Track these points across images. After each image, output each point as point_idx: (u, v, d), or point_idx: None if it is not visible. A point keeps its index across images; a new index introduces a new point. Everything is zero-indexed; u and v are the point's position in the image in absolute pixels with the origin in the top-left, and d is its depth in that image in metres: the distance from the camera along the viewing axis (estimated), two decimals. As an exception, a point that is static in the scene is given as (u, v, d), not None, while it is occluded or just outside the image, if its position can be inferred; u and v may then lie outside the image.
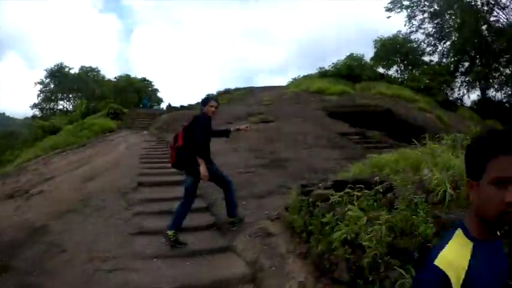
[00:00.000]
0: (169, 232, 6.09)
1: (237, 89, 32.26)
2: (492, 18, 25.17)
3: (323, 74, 27.43)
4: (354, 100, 21.52)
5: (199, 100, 37.66)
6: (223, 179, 6.81)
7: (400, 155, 6.23)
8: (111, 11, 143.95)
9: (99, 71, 54.10)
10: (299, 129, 15.96)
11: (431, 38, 35.25)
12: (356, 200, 4.80)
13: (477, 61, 33.39)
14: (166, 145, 14.75)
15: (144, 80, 58.26)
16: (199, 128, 6.41)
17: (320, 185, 5.92)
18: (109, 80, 54.12)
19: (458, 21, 31.98)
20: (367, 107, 20.79)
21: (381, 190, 4.82)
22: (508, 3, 23.04)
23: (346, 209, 4.73)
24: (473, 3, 24.34)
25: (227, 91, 32.85)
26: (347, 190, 5.00)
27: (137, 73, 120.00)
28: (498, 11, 24.10)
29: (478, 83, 31.39)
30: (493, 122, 24.60)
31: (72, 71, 52.64)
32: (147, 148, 15.15)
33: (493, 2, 23.53)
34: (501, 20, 24.40)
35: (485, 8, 24.07)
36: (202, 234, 6.77)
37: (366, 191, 4.87)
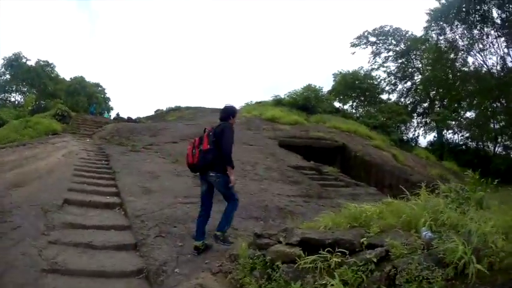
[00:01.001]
0: (220, 232, 6.55)
1: (187, 108, 31.19)
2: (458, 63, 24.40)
3: (278, 102, 26.63)
4: (308, 132, 20.64)
5: (151, 113, 36.24)
6: (233, 194, 6.91)
7: (387, 206, 5.37)
8: (83, 11, 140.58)
9: (55, 67, 50.54)
10: (249, 157, 14.76)
11: (392, 77, 35.61)
12: (336, 267, 3.81)
13: (437, 103, 33.52)
14: (106, 158, 13.72)
15: (97, 85, 55.60)
16: (230, 137, 6.69)
17: (281, 238, 4.81)
18: (63, 79, 50.77)
19: (424, 62, 32.49)
20: (322, 140, 19.92)
21: (374, 259, 3.75)
22: (477, 48, 22.24)
23: (322, 281, 3.72)
24: (442, 47, 23.60)
25: (177, 108, 31.68)
26: (322, 253, 4.04)
27: (93, 77, 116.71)
28: (467, 55, 23.61)
29: (436, 125, 30.97)
30: (451, 164, 24.45)
31: (29, 63, 48.97)
32: (85, 158, 13.55)
33: (462, 47, 22.91)
34: (469, 65, 24.02)
35: (453, 53, 23.45)
36: (125, 283, 5.39)
37: (350, 258, 3.90)
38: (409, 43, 33.71)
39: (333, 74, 33.39)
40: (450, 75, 25.44)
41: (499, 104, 26.57)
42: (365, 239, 4.15)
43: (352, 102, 33.48)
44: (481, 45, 23.02)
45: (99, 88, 55.71)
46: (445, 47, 23.69)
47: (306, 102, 25.93)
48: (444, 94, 29.43)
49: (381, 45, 34.92)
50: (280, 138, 18.80)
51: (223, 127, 6.73)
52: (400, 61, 35.20)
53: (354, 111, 33.20)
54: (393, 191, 17.09)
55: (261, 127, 19.96)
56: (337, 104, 32.35)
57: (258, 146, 16.73)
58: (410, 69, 35.41)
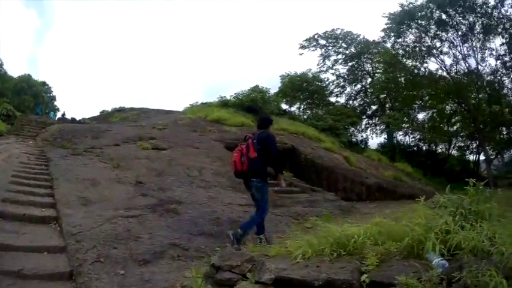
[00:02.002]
0: (241, 231, 6.78)
1: (132, 109, 29.94)
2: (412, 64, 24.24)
3: (224, 103, 25.69)
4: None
5: (97, 113, 34.73)
6: (265, 203, 7.41)
7: (377, 227, 4.61)
8: (32, 7, 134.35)
9: (2, 64, 47.65)
10: (195, 161, 13.76)
11: (341, 80, 35.54)
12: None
13: (388, 105, 33.95)
14: (46, 162, 12.48)
15: (44, 84, 52.89)
16: (275, 146, 7.38)
17: (249, 275, 3.97)
18: (11, 77, 47.71)
19: (375, 66, 33.09)
20: (269, 143, 18.75)
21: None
22: (436, 53, 22.09)
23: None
24: (399, 51, 23.30)
25: (121, 109, 30.25)
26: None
27: (41, 76, 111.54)
28: (425, 59, 23.42)
29: (387, 127, 31.11)
30: (404, 166, 24.39)
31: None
32: (24, 163, 12.22)
33: (420, 51, 22.69)
34: (427, 68, 23.83)
35: (411, 57, 23.21)
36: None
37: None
38: (360, 46, 33.82)
39: (280, 76, 32.83)
40: (403, 79, 24.85)
41: (454, 107, 26.42)
42: (366, 275, 3.41)
43: (300, 104, 32.91)
44: (440, 50, 22.55)
45: (46, 87, 53.32)
46: (402, 50, 23.12)
47: (253, 103, 25.11)
48: (396, 97, 29.12)
49: (330, 48, 34.74)
50: (226, 140, 17.80)
51: (266, 136, 7.31)
52: (350, 64, 35.11)
53: (301, 113, 32.72)
54: (347, 194, 16.43)
55: (207, 129, 18.91)
56: (284, 106, 31.83)
57: (204, 149, 15.75)
58: (360, 72, 35.48)
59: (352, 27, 70.96)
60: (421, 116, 32.50)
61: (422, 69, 23.96)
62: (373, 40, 33.22)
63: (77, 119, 28.84)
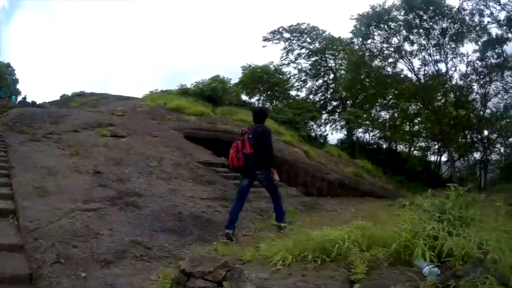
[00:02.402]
0: (283, 225, 7.31)
1: (92, 94, 28.95)
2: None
3: (184, 91, 25.18)
4: (215, 124, 19.32)
5: (57, 98, 33.43)
6: (276, 187, 7.83)
7: (359, 230, 4.43)
8: None
9: None
10: (154, 151, 13.26)
11: (303, 74, 35.45)
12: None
13: (348, 102, 34.16)
14: (5, 148, 11.70)
15: (8, 66, 50.28)
16: (270, 141, 7.69)
17: (225, 283, 3.61)
18: None
19: (339, 62, 33.46)
20: (229, 133, 18.46)
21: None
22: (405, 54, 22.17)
23: None
24: (366, 51, 23.23)
25: (82, 94, 29.28)
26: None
27: (5, 58, 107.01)
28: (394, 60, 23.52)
29: (347, 123, 31.35)
30: (364, 163, 24.36)
31: None
32: None
33: (388, 53, 22.74)
34: (388, 69, 23.96)
35: (379, 57, 23.24)
36: None
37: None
38: (325, 42, 33.75)
39: (242, 67, 32.50)
40: (369, 79, 24.83)
41: (418, 107, 26.67)
42: (358, 286, 3.22)
43: (260, 96, 32.47)
44: (410, 52, 22.65)
45: (9, 69, 50.66)
46: (369, 52, 23.09)
47: (213, 93, 24.66)
48: (360, 95, 29.20)
49: (295, 42, 34.48)
50: (186, 129, 17.40)
51: (262, 130, 7.52)
52: (313, 59, 34.95)
53: (260, 105, 32.02)
54: (308, 189, 16.25)
55: (166, 117, 18.43)
56: (244, 97, 31.34)
57: (163, 138, 15.27)
58: (323, 68, 35.37)
59: (319, 23, 70.59)
60: (382, 114, 32.90)
61: (389, 69, 23.98)
62: (339, 37, 33.44)
63: (37, 102, 27.57)
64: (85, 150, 11.56)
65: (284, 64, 34.70)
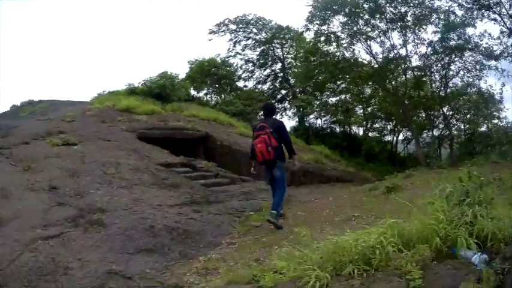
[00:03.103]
0: (275, 212, 7.71)
1: (40, 101, 26.74)
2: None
3: (131, 91, 23.79)
4: (167, 122, 18.19)
5: (7, 109, 30.92)
6: (284, 180, 8.44)
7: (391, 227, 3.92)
8: None
9: None
10: (109, 156, 12.07)
11: (250, 64, 34.64)
12: None
13: (298, 90, 33.49)
14: None
15: None
16: (288, 132, 8.79)
17: None
18: None
19: (286, 50, 33.03)
20: (183, 130, 17.55)
21: None
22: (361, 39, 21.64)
23: None
24: (317, 37, 22.43)
25: (30, 102, 27.16)
26: None
27: None
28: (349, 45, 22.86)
29: (298, 110, 30.81)
30: (321, 148, 23.63)
31: None
32: None
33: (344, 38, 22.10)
34: (347, 54, 23.42)
35: (334, 43, 22.47)
36: None
37: None
38: (272, 31, 32.89)
39: (189, 61, 31.24)
40: (321, 65, 23.99)
41: (373, 90, 26.18)
42: None
43: (207, 90, 31.20)
44: (368, 35, 21.90)
45: None
46: (325, 37, 22.26)
47: (161, 90, 23.36)
48: (311, 82, 28.46)
49: (241, 33, 33.34)
50: (138, 130, 16.21)
51: (280, 125, 8.37)
52: (260, 49, 34.03)
53: (209, 98, 31.13)
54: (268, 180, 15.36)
55: (117, 119, 17.09)
56: (192, 92, 29.95)
57: (117, 141, 14.08)
58: (270, 58, 34.50)
59: (267, 14, 69.01)
60: (333, 100, 32.36)
61: (346, 54, 23.29)
62: (287, 25, 32.78)
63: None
64: (37, 164, 10.30)
65: (231, 56, 33.74)
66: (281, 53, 34.14)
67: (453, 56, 21.28)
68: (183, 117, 19.80)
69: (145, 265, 5.55)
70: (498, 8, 18.46)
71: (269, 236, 7.18)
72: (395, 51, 21.96)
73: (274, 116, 8.90)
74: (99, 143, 13.35)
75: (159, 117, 18.96)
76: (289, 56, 34.21)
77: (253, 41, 33.38)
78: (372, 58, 22.64)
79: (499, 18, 18.70)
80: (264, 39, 33.11)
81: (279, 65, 34.67)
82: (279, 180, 8.16)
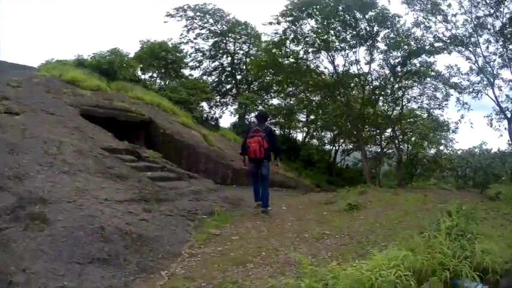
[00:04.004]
0: (269, 208, 9.70)
1: None
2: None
3: (80, 62, 22.01)
4: (112, 101, 16.97)
5: None
6: (267, 175, 9.83)
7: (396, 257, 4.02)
8: None
9: None
10: (51, 133, 10.76)
11: (200, 54, 33.29)
12: None
13: (242, 86, 33.10)
14: None
15: None
16: (275, 138, 10.73)
17: None
18: None
19: (239, 46, 32.26)
20: (127, 112, 16.54)
21: None
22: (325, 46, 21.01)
23: None
24: (286, 34, 21.61)
25: None
26: None
27: None
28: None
29: (240, 107, 29.81)
30: None
31: None
32: None
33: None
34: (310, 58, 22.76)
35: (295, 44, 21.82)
36: None
37: None
38: (228, 25, 31.60)
39: (140, 41, 29.23)
40: (286, 63, 23.13)
41: (325, 99, 25.66)
42: None
43: (152, 73, 29.53)
44: (336, 46, 21.31)
45: None
46: (294, 32, 21.48)
47: (109, 66, 21.80)
48: (266, 78, 27.69)
49: (197, 21, 31.84)
50: (82, 106, 14.84)
51: (271, 131, 10.11)
52: (213, 40, 32.69)
53: (153, 82, 29.35)
54: (210, 177, 14.68)
55: (61, 90, 15.58)
56: (138, 73, 28.20)
57: (60, 116, 12.68)
58: (221, 50, 33.22)
59: (231, 7, 66.42)
60: (275, 101, 32.09)
61: (310, 56, 22.64)
62: (245, 21, 31.95)
63: None
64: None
65: (182, 42, 32.27)
66: (233, 48, 33.12)
67: (411, 81, 21.32)
68: (127, 98, 18.54)
69: (102, 281, 4.70)
70: (473, 48, 18.71)
71: (235, 249, 6.55)
72: (359, 67, 21.69)
73: (266, 122, 10.68)
74: (42, 115, 12.01)
75: (104, 95, 17.62)
76: (240, 52, 33.38)
77: (208, 31, 32.23)
78: (333, 68, 22.07)
79: (471, 57, 18.95)
80: (218, 31, 31.99)
81: (228, 60, 33.67)
82: (266, 176, 9.73)
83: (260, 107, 28.91)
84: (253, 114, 30.06)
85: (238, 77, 33.72)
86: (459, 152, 24.97)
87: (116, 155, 11.20)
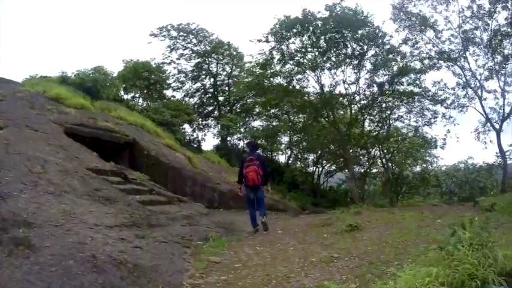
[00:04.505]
0: (258, 227, 10.15)
1: None
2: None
3: (64, 79, 21.20)
4: (96, 121, 16.25)
5: None
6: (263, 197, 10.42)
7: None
8: None
9: None
10: (36, 150, 10.00)
11: (182, 75, 32.42)
12: None
13: (224, 108, 32.53)
14: None
15: None
16: (267, 165, 10.95)
17: None
18: None
19: (221, 67, 31.61)
20: (111, 132, 15.77)
21: None
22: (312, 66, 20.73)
23: None
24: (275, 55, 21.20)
25: None
26: None
27: None
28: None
29: (224, 129, 28.81)
30: None
31: None
32: None
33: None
34: (295, 79, 22.39)
35: (283, 64, 21.35)
36: None
37: None
38: (212, 45, 30.93)
39: (123, 60, 28.50)
40: (272, 84, 22.52)
41: (305, 120, 25.16)
42: None
43: (135, 93, 28.67)
44: (323, 66, 20.83)
45: None
46: (282, 53, 20.98)
47: (93, 85, 20.96)
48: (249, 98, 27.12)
49: (180, 41, 31.06)
50: (66, 124, 14.08)
51: (264, 159, 11.18)
52: (196, 61, 31.93)
53: (135, 103, 28.48)
54: (197, 200, 14.00)
55: (46, 107, 14.82)
56: (121, 93, 27.33)
57: (44, 133, 11.95)
58: (204, 71, 32.43)
59: (211, 27, 65.63)
60: (256, 123, 31.44)
61: (295, 79, 22.18)
62: (228, 42, 31.33)
63: None
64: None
65: (165, 63, 31.55)
66: (215, 69, 32.46)
67: (401, 100, 21.04)
68: (111, 118, 17.80)
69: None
70: (461, 63, 18.70)
71: (241, 277, 5.95)
72: (346, 86, 21.30)
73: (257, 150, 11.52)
74: (26, 131, 11.28)
75: (88, 113, 16.86)
76: (223, 73, 32.70)
77: (190, 52, 31.46)
78: (319, 88, 21.55)
79: (458, 71, 18.89)
80: (201, 52, 31.30)
81: (210, 81, 32.93)
82: (262, 198, 10.28)
83: (241, 129, 28.29)
84: (235, 136, 29.60)
85: (221, 98, 33.07)
86: (443, 168, 24.94)
87: (102, 176, 10.47)
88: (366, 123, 23.18)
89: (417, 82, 20.06)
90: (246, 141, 14.13)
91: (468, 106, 19.70)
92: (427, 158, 25.62)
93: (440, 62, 19.32)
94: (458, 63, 18.84)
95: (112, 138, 15.53)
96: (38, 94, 16.12)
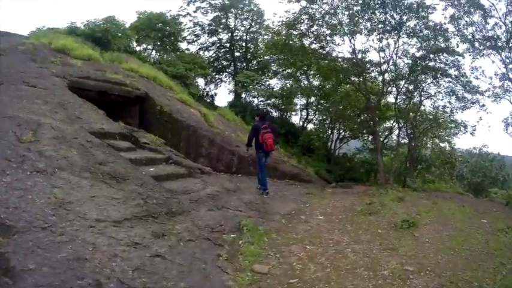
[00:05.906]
0: (268, 191, 10.18)
1: None
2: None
3: (72, 30, 19.12)
4: (104, 73, 14.15)
5: None
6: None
7: None
8: None
9: None
10: (29, 111, 8.04)
11: (198, 28, 29.65)
12: None
13: (242, 64, 29.98)
14: None
15: None
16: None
17: None
18: None
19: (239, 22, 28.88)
20: (121, 85, 13.72)
21: None
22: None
23: None
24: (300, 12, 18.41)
25: None
26: None
27: None
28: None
29: (237, 85, 26.63)
30: None
31: None
32: None
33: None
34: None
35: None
36: None
37: None
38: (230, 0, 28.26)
39: (137, 11, 25.79)
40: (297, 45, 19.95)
41: (333, 86, 22.72)
42: None
43: (148, 45, 26.28)
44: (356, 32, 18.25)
45: None
46: (310, 16, 18.31)
47: (103, 35, 18.83)
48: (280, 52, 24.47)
49: None
50: (71, 77, 12.00)
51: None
52: (213, 15, 29.10)
53: (148, 54, 26.17)
54: (212, 163, 12.10)
55: (49, 59, 12.74)
56: (134, 44, 25.02)
57: (43, 89, 9.89)
58: (222, 25, 29.65)
59: None
60: (272, 81, 28.94)
61: (328, 38, 19.61)
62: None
63: None
64: None
65: (181, 15, 28.66)
66: (233, 24, 29.78)
67: (426, 76, 18.64)
68: (121, 70, 15.61)
69: None
70: (505, 53, 16.35)
71: None
72: (383, 55, 18.74)
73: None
74: (21, 88, 9.26)
75: (96, 65, 14.71)
76: (241, 28, 30.04)
77: (208, 5, 28.56)
78: (351, 52, 18.94)
79: (497, 61, 16.56)
80: (220, 5, 28.45)
81: (227, 36, 30.32)
82: (269, 164, 10.85)
83: (257, 86, 25.97)
84: (250, 94, 27.35)
85: (237, 54, 30.51)
86: (459, 153, 23.12)
87: (108, 141, 8.47)
88: (392, 96, 20.83)
89: (455, 63, 17.57)
90: (257, 112, 12.12)
91: (502, 98, 17.52)
92: (451, 139, 23.68)
93: (482, 48, 16.84)
94: (503, 53, 16.37)
95: (121, 92, 13.45)
96: (42, 46, 14.00)
